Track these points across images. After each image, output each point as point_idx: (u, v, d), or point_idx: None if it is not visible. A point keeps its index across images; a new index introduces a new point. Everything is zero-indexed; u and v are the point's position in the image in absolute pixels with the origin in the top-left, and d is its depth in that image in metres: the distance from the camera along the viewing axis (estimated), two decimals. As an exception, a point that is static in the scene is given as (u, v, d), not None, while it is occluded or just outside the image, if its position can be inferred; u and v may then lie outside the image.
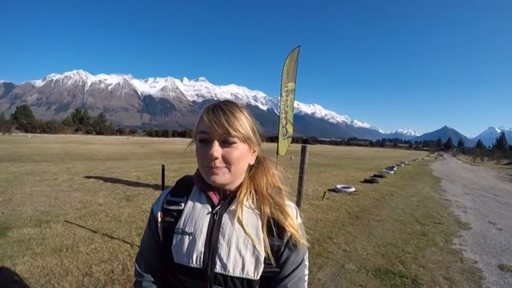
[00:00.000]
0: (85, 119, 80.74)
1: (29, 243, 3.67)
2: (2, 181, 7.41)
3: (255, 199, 0.86)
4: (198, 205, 0.87)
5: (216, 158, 0.78)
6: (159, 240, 0.89)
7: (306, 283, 0.89)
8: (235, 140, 0.79)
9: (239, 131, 0.79)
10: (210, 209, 0.85)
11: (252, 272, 0.80)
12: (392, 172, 15.35)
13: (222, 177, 0.80)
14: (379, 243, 4.52)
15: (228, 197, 0.86)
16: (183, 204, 0.88)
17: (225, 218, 0.83)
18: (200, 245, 0.81)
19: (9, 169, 9.43)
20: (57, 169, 10.07)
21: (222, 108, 0.80)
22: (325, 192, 7.87)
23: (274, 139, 6.45)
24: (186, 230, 0.83)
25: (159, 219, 0.90)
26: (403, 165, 22.02)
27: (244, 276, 0.79)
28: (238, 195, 0.85)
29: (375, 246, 4.38)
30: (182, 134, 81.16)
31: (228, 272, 0.79)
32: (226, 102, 0.84)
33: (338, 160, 24.41)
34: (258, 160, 0.92)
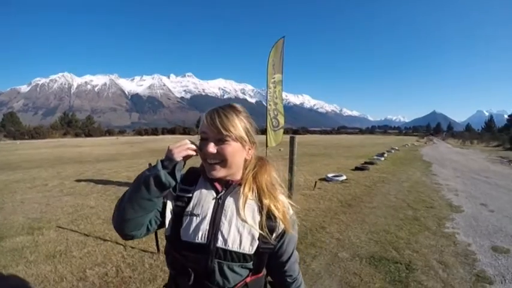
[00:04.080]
0: (73, 122, 79.41)
1: (22, 252, 3.64)
2: (-10, 190, 7.26)
3: (255, 192, 1.03)
4: (205, 191, 1.03)
5: (212, 153, 0.95)
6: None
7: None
8: (228, 138, 0.96)
9: (231, 131, 0.95)
10: (215, 195, 1.02)
11: (248, 247, 0.97)
12: (382, 159, 15.53)
13: (218, 172, 0.98)
14: (372, 230, 4.59)
15: (231, 186, 1.03)
16: (192, 192, 1.03)
17: (228, 202, 1.00)
18: (206, 224, 0.97)
19: (-2, 177, 9.25)
20: (47, 174, 9.92)
21: (218, 112, 0.97)
22: (316, 182, 7.91)
23: (264, 131, 6.43)
24: (194, 212, 0.99)
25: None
26: (393, 151, 22.28)
27: (241, 250, 0.96)
28: (242, 187, 1.01)
29: (368, 233, 4.45)
30: (172, 131, 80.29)
31: (228, 246, 0.95)
32: (224, 107, 1.01)
33: (328, 149, 24.56)
34: (262, 163, 1.08)
